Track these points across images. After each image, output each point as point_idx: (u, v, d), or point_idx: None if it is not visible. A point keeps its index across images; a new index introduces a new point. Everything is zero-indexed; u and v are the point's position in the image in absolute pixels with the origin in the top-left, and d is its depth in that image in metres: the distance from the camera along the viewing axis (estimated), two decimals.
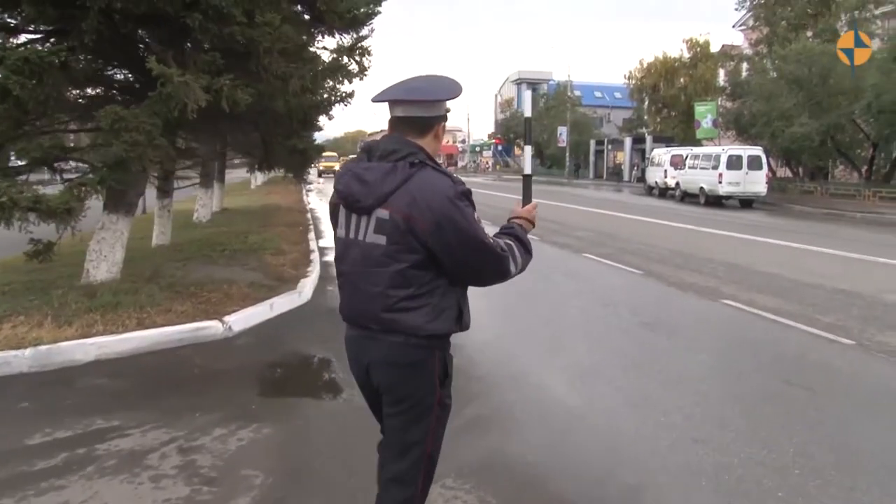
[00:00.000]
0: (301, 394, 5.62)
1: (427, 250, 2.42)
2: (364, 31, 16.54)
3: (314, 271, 10.30)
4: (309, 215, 20.02)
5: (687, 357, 6.40)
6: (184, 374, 6.08)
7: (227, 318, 7.35)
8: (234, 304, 7.89)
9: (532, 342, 6.92)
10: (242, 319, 7.53)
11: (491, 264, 2.52)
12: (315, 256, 11.68)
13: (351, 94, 10.00)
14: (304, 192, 32.82)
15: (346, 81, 18.83)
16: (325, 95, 11.67)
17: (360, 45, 16.98)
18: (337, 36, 9.78)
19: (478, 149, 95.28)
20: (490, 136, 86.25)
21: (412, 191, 2.38)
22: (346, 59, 17.39)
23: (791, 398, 5.31)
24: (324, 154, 77.14)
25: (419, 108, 2.51)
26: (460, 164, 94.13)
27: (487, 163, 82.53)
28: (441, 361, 2.61)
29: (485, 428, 4.79)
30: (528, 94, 3.42)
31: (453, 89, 2.56)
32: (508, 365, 6.15)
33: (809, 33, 34.93)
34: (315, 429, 4.83)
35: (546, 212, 20.93)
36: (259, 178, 38.99)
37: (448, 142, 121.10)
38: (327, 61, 17.18)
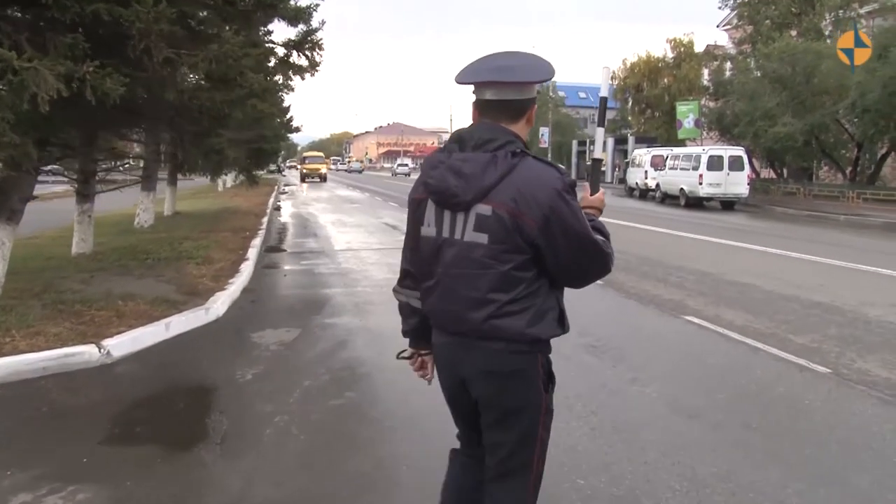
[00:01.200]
0: (155, 440, 4.56)
1: (533, 249, 2.20)
2: (314, 24, 15.50)
3: (237, 283, 9.26)
4: (265, 219, 18.93)
5: (631, 392, 5.39)
6: (28, 413, 5.05)
7: (106, 342, 6.31)
8: (122, 325, 6.86)
9: None
10: (127, 343, 6.49)
11: (597, 264, 2.34)
12: (246, 265, 10.63)
13: (267, 89, 8.79)
14: (273, 195, 31.74)
15: (297, 77, 17.70)
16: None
17: (309, 38, 15.90)
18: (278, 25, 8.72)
19: None
20: None
21: (517, 183, 2.16)
22: (295, 54, 16.25)
23: (752, 451, 4.30)
24: (306, 155, 70.91)
25: (513, 90, 2.26)
26: None
27: None
28: (544, 367, 2.37)
29: (356, 495, 3.79)
30: (605, 72, 2.67)
31: (548, 70, 2.29)
32: (411, 403, 5.13)
33: (794, 32, 34.18)
34: (143, 496, 3.81)
35: None
36: (229, 180, 37.78)
37: (433, 143, 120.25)
38: (281, 55, 16.08)
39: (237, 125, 13.01)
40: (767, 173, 38.39)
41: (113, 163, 12.48)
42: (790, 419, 4.87)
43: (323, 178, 57.95)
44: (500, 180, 2.17)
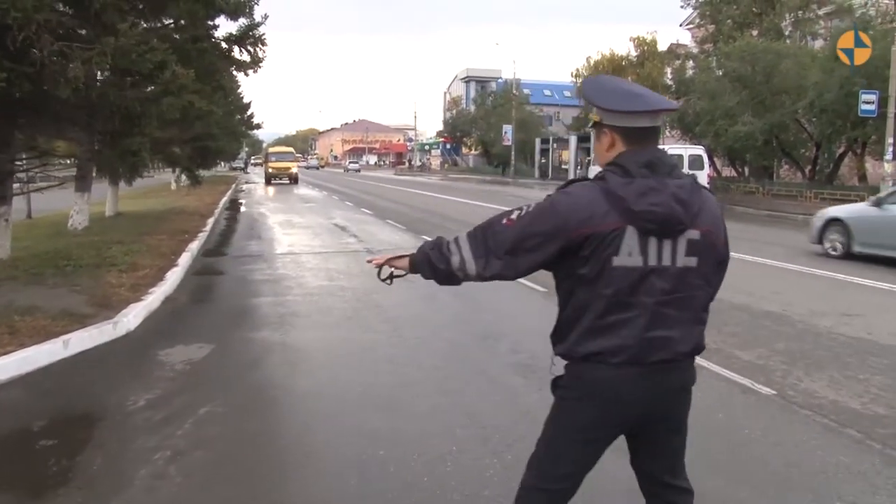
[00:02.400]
0: (12, 487, 3.99)
1: (717, 268, 2.40)
2: (256, 19, 14.79)
3: (158, 292, 8.65)
4: (211, 220, 18.25)
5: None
6: None
7: None
8: (13, 343, 6.24)
9: (361, 397, 5.35)
10: (13, 365, 5.90)
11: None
12: (174, 273, 10.01)
13: (184, 87, 8.08)
14: (228, 194, 30.95)
15: (242, 73, 16.96)
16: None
17: (251, 33, 15.15)
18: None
19: (426, 147, 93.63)
20: (439, 135, 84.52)
21: (710, 208, 2.31)
22: (237, 49, 15.50)
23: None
24: (272, 151, 61.86)
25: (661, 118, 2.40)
26: (415, 163, 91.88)
27: (430, 161, 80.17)
28: None
29: None
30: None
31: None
32: (311, 434, 4.64)
33: (755, 32, 34.20)
34: None
35: (470, 216, 19.46)
36: (183, 179, 36.74)
37: (399, 140, 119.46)
38: (224, 48, 15.36)
39: (168, 124, 12.32)
40: (729, 172, 38.43)
41: (36, 163, 11.70)
42: (727, 454, 4.43)
43: (294, 180, 47.26)
44: (702, 205, 2.28)
